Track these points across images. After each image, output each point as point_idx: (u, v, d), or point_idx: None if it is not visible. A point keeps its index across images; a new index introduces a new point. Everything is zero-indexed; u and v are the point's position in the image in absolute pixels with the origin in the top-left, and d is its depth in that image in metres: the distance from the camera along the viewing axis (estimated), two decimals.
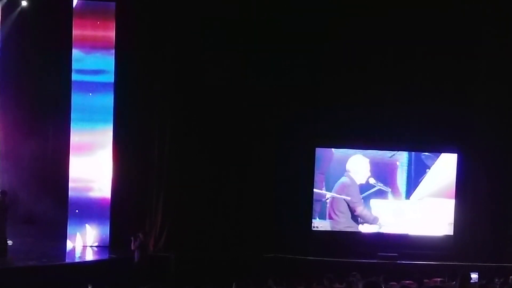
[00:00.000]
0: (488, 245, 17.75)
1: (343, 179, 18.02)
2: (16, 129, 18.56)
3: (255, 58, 17.67)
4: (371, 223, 17.98)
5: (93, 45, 17.37)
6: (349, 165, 18.02)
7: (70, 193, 17.38)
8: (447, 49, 17.88)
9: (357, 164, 18.00)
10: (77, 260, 16.60)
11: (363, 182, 18.00)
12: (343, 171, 18.02)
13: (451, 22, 17.69)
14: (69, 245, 17.31)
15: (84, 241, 17.36)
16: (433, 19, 17.63)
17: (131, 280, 15.40)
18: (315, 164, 17.98)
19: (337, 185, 18.01)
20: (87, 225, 17.35)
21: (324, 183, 18.04)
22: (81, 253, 16.98)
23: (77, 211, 17.28)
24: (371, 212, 17.99)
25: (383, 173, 18.07)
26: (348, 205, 17.99)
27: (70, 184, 17.41)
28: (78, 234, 17.31)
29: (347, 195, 17.98)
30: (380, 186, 17.95)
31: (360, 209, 17.99)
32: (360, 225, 18.00)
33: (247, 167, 17.87)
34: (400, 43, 17.87)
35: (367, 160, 17.99)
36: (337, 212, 17.96)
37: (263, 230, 17.65)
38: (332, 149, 18.10)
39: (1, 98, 18.38)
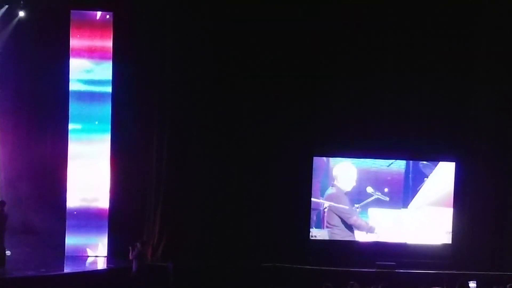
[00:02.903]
0: (486, 254, 17.72)
1: (329, 190, 17.91)
2: (14, 139, 18.56)
3: (252, 66, 17.72)
4: (367, 233, 17.96)
5: (91, 55, 17.36)
6: (335, 172, 17.92)
7: (68, 202, 17.36)
8: (444, 57, 17.90)
9: (343, 171, 17.88)
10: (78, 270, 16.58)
11: (349, 189, 17.90)
12: (331, 180, 17.98)
13: (450, 27, 17.78)
14: (91, 254, 17.32)
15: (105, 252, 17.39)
16: (431, 25, 17.75)
17: None
18: (313, 173, 17.98)
19: (325, 197, 17.95)
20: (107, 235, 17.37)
21: (319, 192, 18.02)
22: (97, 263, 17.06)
23: (83, 222, 17.26)
24: (366, 222, 17.96)
25: (381, 182, 18.04)
26: (339, 216, 17.95)
27: (68, 194, 17.39)
28: (99, 243, 17.32)
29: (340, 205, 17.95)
30: (378, 195, 17.92)
31: (353, 219, 17.94)
32: (356, 230, 17.93)
33: (244, 176, 17.86)
34: (397, 52, 17.91)
35: (354, 168, 17.87)
36: (329, 226, 17.91)
37: (262, 239, 17.65)
38: (324, 158, 18.08)
39: None
